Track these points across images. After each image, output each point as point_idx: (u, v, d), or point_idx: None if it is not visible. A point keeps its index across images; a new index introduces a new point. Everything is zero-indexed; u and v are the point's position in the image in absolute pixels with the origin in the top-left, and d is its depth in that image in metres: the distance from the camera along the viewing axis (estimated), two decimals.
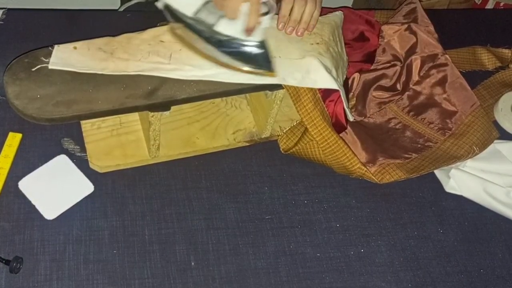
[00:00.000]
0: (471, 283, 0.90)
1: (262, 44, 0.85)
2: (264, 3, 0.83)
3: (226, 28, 0.83)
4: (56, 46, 0.84)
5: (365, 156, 0.98)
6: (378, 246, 0.91)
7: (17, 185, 0.84)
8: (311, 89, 0.89)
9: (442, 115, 1.05)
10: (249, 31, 0.82)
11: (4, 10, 1.06)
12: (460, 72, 1.07)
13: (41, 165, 0.86)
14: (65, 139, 0.92)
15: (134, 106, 0.81)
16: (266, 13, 0.83)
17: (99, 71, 0.82)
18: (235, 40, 0.84)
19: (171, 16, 0.85)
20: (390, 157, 0.98)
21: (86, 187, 0.86)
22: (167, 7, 0.85)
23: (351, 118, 0.98)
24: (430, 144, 1.02)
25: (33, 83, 0.80)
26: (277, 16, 0.91)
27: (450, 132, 1.03)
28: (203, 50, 0.85)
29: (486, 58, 1.19)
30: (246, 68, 0.86)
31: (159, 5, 0.86)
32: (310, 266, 0.87)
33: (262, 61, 0.86)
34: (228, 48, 0.84)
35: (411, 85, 1.07)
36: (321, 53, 0.90)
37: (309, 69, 0.88)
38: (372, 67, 1.10)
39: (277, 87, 0.88)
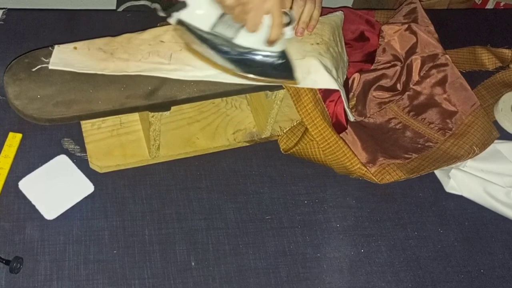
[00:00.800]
0: (471, 283, 0.90)
1: (283, 54, 0.84)
2: (285, 13, 0.81)
3: (246, 40, 0.82)
4: (56, 46, 0.84)
5: (365, 156, 0.98)
6: (378, 246, 0.91)
7: (17, 185, 0.84)
8: (312, 89, 0.89)
9: (442, 115, 1.05)
10: (272, 42, 0.81)
11: (4, 10, 1.06)
12: (460, 72, 1.07)
13: (41, 165, 0.86)
14: (65, 139, 0.92)
15: (134, 107, 0.81)
16: (288, 24, 0.81)
17: (99, 71, 0.82)
18: (257, 51, 0.83)
19: (187, 31, 0.83)
20: (390, 157, 0.98)
21: (86, 187, 0.86)
22: (181, 22, 0.83)
23: (351, 118, 0.98)
24: (430, 144, 1.02)
25: (33, 83, 0.80)
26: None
27: (450, 132, 1.03)
28: (222, 64, 0.84)
29: (486, 58, 1.19)
30: (268, 79, 0.85)
31: (172, 21, 0.84)
32: (310, 266, 0.87)
33: (284, 71, 0.85)
34: (249, 60, 0.83)
35: (411, 85, 1.07)
36: (321, 54, 0.90)
37: (309, 69, 0.88)
38: (372, 67, 1.10)
39: (277, 87, 0.88)
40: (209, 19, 0.81)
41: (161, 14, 0.82)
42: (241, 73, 0.84)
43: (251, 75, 0.84)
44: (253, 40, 0.82)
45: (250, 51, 0.83)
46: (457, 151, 1.00)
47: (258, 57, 0.83)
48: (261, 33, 0.80)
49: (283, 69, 0.85)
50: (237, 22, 0.80)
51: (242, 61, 0.83)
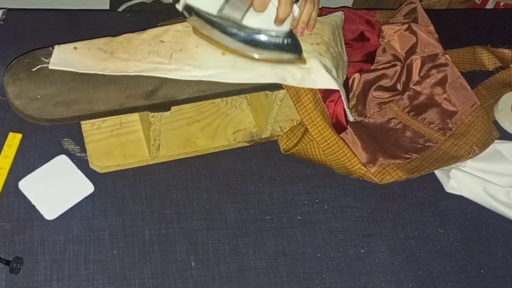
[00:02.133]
0: (471, 283, 0.90)
1: (291, 33, 0.85)
2: None
3: (254, 20, 0.83)
4: (56, 46, 0.84)
5: (365, 156, 0.98)
6: (378, 246, 0.91)
7: (17, 185, 0.84)
8: (312, 89, 0.89)
9: (442, 115, 1.05)
10: (281, 21, 0.82)
11: (4, 10, 1.06)
12: (460, 72, 1.07)
13: (41, 165, 0.86)
14: (65, 139, 0.92)
15: (134, 107, 0.81)
16: (295, 1, 0.82)
17: (99, 71, 0.82)
18: (265, 32, 0.83)
19: (195, 16, 0.84)
20: (390, 157, 0.98)
21: (86, 187, 0.86)
22: (189, 7, 0.84)
23: (351, 118, 0.98)
24: (431, 144, 1.02)
25: (33, 83, 0.80)
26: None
27: (450, 132, 1.03)
28: (232, 46, 0.85)
29: (486, 58, 1.19)
30: (278, 58, 0.85)
31: (179, 7, 0.85)
32: (310, 266, 0.87)
33: (293, 50, 0.86)
34: (257, 40, 0.84)
35: (411, 85, 1.07)
36: (321, 54, 0.90)
37: (309, 69, 0.88)
38: (372, 67, 1.10)
39: (277, 87, 0.88)
40: (216, 2, 0.82)
41: (167, 1, 0.82)
42: (251, 54, 0.85)
43: (261, 55, 0.85)
44: (260, 20, 0.82)
45: (259, 31, 0.83)
46: (457, 151, 1.00)
47: (266, 37, 0.84)
48: (268, 13, 0.81)
49: (291, 48, 0.86)
50: (245, 2, 0.81)
51: (251, 42, 0.84)
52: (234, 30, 0.84)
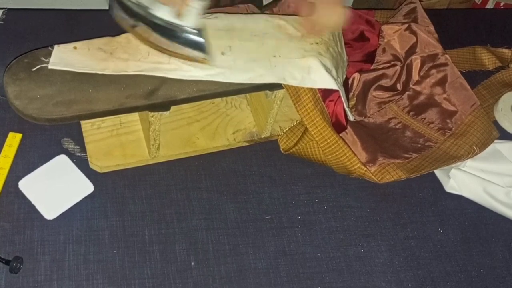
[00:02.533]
0: (471, 283, 0.90)
1: (197, 31, 0.83)
2: None
3: (162, 12, 0.81)
4: (56, 46, 0.84)
5: (365, 156, 0.98)
6: (378, 246, 0.91)
7: (17, 185, 0.84)
8: (311, 89, 0.89)
9: (442, 115, 1.05)
10: (178, 14, 0.81)
11: (4, 10, 1.06)
12: (460, 72, 1.07)
13: (41, 165, 0.86)
14: (65, 139, 0.92)
15: (134, 106, 0.81)
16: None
17: (99, 71, 0.82)
18: (170, 24, 0.82)
19: (117, 3, 0.83)
20: (390, 157, 0.98)
21: (86, 187, 0.86)
22: None
23: (351, 118, 0.98)
24: (430, 144, 1.02)
25: (33, 83, 0.80)
26: (266, 13, 0.93)
27: (450, 132, 1.03)
28: (143, 34, 0.84)
29: (486, 58, 1.19)
30: (185, 54, 0.84)
31: None
32: (310, 266, 0.87)
33: (196, 47, 0.84)
34: (164, 32, 0.82)
35: (411, 85, 1.07)
36: (321, 53, 0.90)
37: (309, 69, 0.88)
38: (372, 67, 1.10)
39: (277, 87, 0.88)
40: None
41: None
42: (164, 46, 0.83)
43: (172, 48, 0.83)
44: (168, 13, 0.81)
45: (164, 23, 0.82)
46: (457, 151, 1.00)
47: (171, 30, 0.82)
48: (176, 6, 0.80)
49: (194, 45, 0.83)
50: None
51: (163, 34, 0.82)
52: (146, 19, 0.82)
